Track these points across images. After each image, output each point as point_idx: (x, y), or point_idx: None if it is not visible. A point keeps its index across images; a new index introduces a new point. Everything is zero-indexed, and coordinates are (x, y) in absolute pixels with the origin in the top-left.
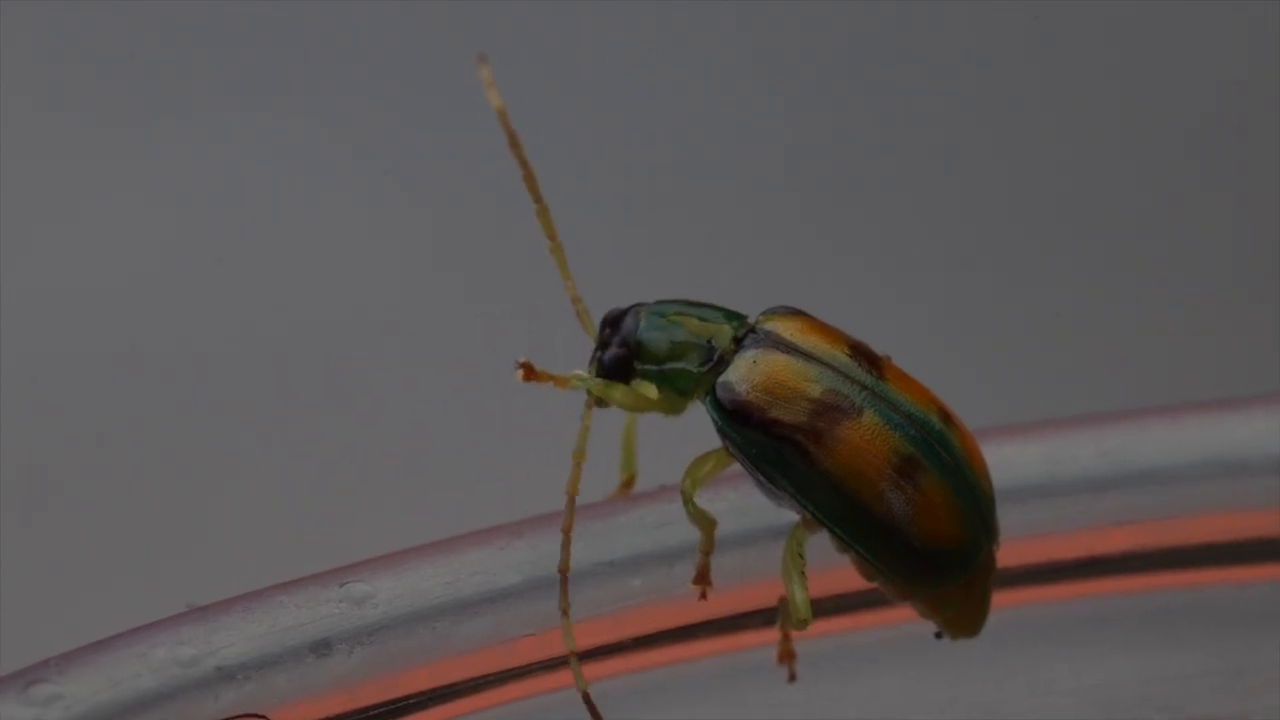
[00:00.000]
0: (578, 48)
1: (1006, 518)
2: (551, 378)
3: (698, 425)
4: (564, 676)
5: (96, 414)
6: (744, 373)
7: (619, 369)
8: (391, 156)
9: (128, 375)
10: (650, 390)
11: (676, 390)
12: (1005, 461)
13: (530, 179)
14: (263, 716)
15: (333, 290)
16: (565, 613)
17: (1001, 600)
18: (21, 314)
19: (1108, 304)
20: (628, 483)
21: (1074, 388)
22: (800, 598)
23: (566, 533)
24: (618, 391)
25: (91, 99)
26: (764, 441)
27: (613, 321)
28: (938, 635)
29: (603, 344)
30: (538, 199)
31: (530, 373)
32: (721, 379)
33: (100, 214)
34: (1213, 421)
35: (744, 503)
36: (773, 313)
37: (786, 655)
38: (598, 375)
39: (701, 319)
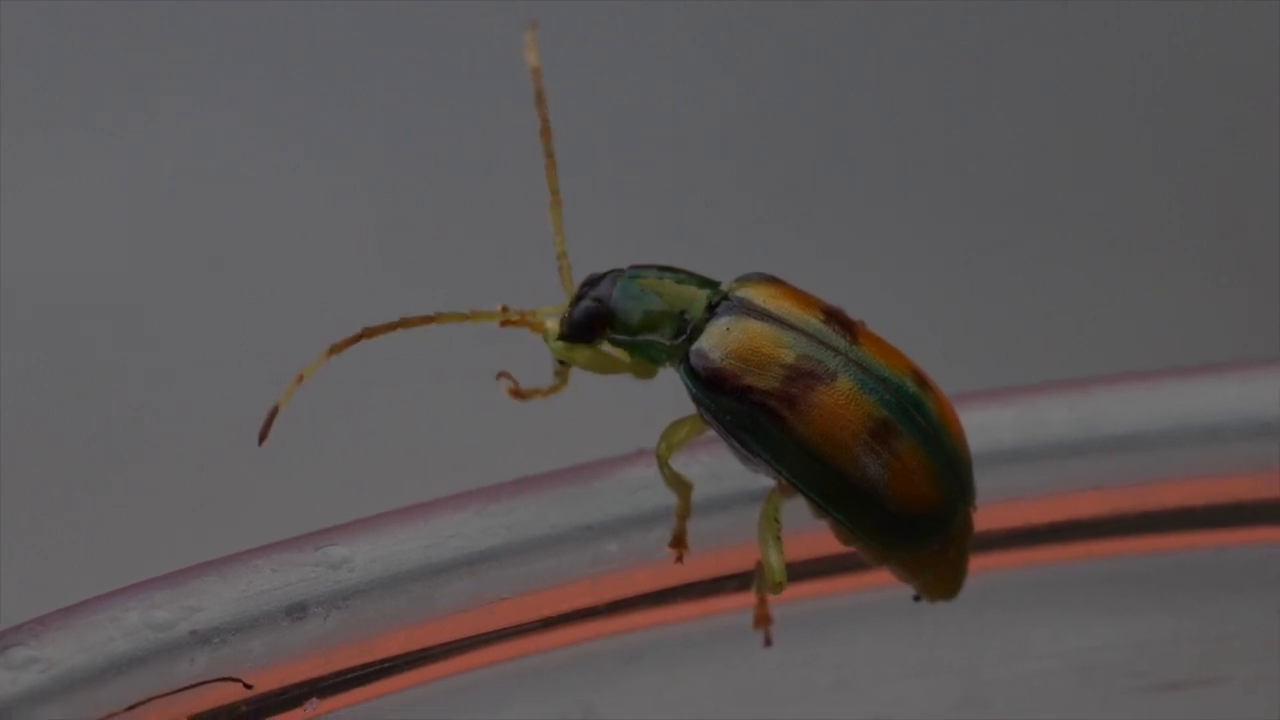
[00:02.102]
0: (568, 42)
1: (982, 482)
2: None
3: (675, 389)
4: (541, 640)
5: (74, 388)
6: (717, 340)
7: (588, 322)
8: (375, 152)
9: (102, 351)
10: (622, 356)
11: (649, 359)
12: (980, 426)
13: (547, 132)
14: (238, 680)
15: (301, 262)
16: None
17: (979, 564)
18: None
19: (1083, 270)
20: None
21: (1049, 352)
22: (776, 562)
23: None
24: (582, 356)
25: (53, 94)
26: (738, 408)
27: (592, 284)
28: (915, 598)
29: (577, 300)
30: (550, 154)
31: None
32: (695, 346)
33: (85, 211)
34: (1187, 386)
35: (720, 467)
36: (746, 279)
37: (762, 619)
38: (567, 328)
39: (676, 288)
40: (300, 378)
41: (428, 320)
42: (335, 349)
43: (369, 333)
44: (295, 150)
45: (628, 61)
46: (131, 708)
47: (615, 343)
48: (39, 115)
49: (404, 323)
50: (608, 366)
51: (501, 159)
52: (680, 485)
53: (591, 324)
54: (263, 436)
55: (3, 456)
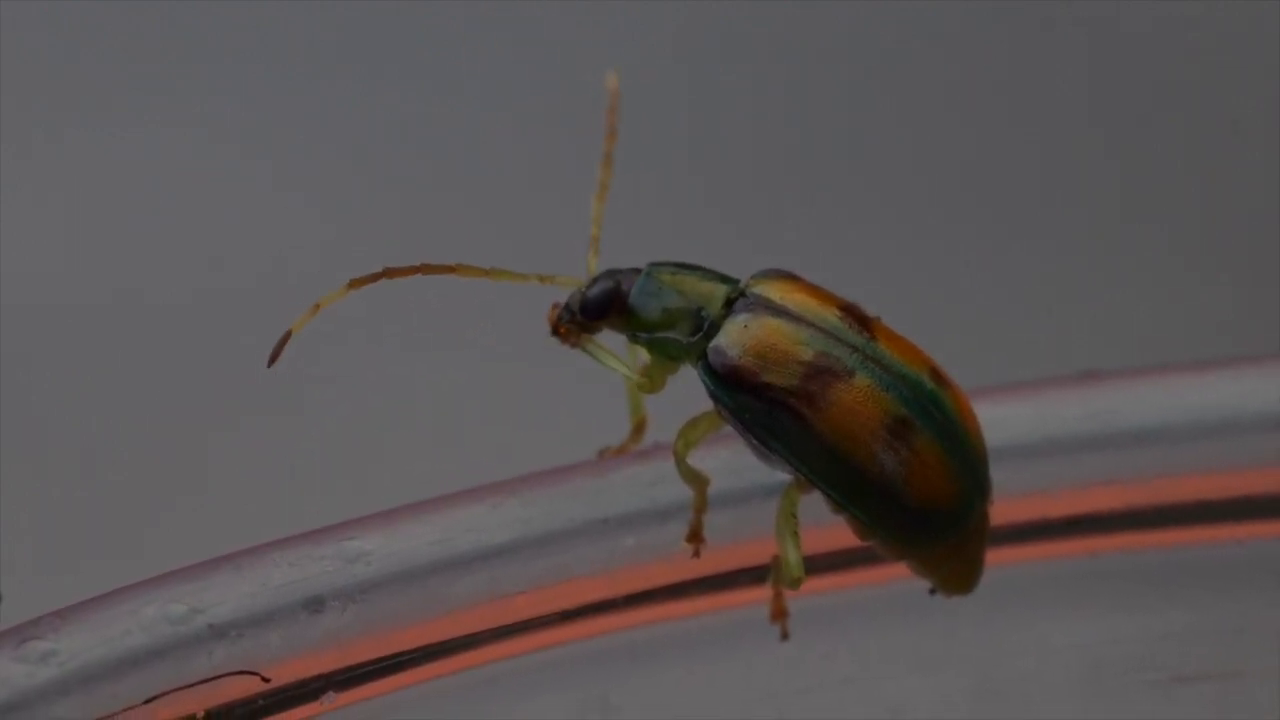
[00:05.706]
0: (569, 42)
1: (998, 476)
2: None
3: (692, 385)
4: (558, 633)
5: (91, 376)
6: (735, 337)
7: (603, 301)
8: (374, 152)
9: (121, 338)
10: (642, 355)
11: (668, 356)
12: (996, 420)
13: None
14: (255, 673)
15: (300, 262)
16: None
17: (995, 558)
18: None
19: (1096, 265)
20: (638, 427)
21: (1063, 347)
22: (794, 557)
23: None
24: (659, 372)
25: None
26: (756, 405)
27: (611, 274)
28: (931, 592)
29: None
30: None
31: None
32: (712, 344)
33: (85, 211)
34: (1202, 380)
35: (737, 462)
36: (764, 275)
37: (779, 613)
38: (579, 305)
39: (695, 284)
40: (317, 306)
41: (449, 270)
42: (356, 283)
43: (390, 273)
44: (295, 150)
45: (628, 61)
46: (149, 701)
47: (635, 340)
48: (39, 115)
49: (424, 268)
50: (667, 371)
51: (502, 159)
52: (697, 480)
53: (606, 304)
54: (273, 359)
55: (3, 456)
